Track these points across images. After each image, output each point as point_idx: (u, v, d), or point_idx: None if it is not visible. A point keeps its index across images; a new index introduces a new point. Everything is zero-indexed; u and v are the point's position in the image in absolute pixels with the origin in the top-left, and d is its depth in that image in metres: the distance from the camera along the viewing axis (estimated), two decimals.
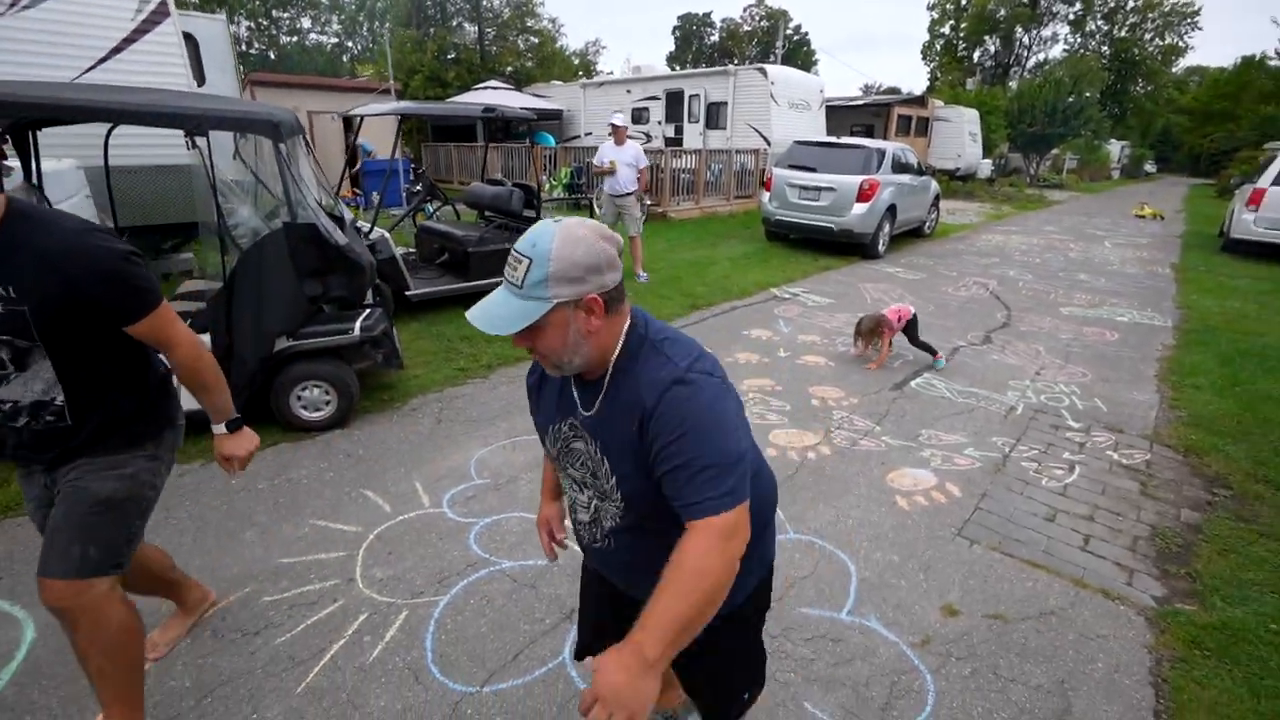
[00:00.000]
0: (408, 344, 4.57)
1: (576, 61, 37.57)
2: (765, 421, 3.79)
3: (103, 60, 5.65)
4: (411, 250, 6.03)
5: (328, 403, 3.40)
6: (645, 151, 7.25)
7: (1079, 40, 44.65)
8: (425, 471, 3.08)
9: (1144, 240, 11.97)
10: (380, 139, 13.51)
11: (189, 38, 7.29)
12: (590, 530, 1.26)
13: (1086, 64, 31.24)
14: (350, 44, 41.08)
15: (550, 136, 16.62)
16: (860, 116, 19.38)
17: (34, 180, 3.30)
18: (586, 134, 17.48)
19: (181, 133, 2.92)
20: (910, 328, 4.73)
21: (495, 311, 1.05)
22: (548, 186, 12.11)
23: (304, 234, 3.20)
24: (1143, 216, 15.69)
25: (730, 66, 14.92)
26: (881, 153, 8.99)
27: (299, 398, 3.34)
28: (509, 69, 26.76)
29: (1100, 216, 15.73)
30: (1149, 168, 41.71)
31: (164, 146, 5.76)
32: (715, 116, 14.92)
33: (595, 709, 0.86)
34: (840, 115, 18.40)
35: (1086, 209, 17.70)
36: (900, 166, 9.37)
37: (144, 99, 3.16)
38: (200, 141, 3.09)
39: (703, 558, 0.96)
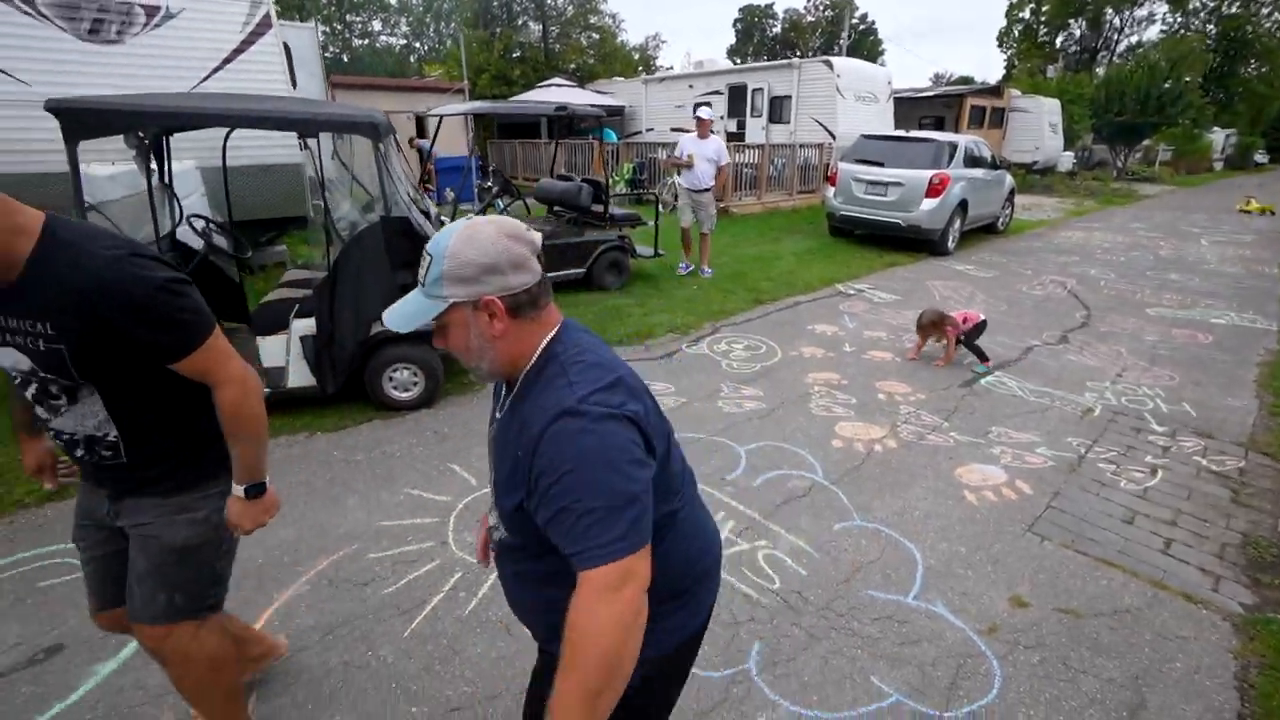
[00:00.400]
0: None
1: (636, 57, 37.72)
2: (831, 414, 3.84)
3: (216, 70, 6.19)
4: None
5: (415, 384, 3.67)
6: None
7: (1179, 20, 41.44)
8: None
9: (1248, 238, 11.13)
10: (445, 138, 14.07)
11: (284, 46, 7.86)
12: (491, 537, 1.19)
13: (1187, 45, 29.00)
14: (418, 45, 42.63)
15: (613, 132, 16.86)
16: (930, 108, 18.72)
17: (166, 180, 3.70)
18: (648, 129, 17.63)
19: (290, 135, 3.22)
20: (974, 332, 4.61)
21: (401, 309, 1.03)
22: (611, 182, 12.32)
23: (398, 227, 3.47)
24: (1249, 212, 14.54)
25: (794, 59, 14.74)
26: (953, 146, 8.74)
27: (390, 379, 3.62)
28: (572, 66, 27.21)
29: (1197, 212, 14.69)
30: (1259, 158, 38.25)
31: (268, 148, 6.29)
32: (779, 110, 14.79)
33: None
34: (909, 107, 17.84)
35: (1182, 204, 16.55)
36: (972, 160, 9.08)
37: (263, 106, 3.50)
38: (310, 142, 3.41)
39: (587, 619, 0.88)
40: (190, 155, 5.39)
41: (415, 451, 3.29)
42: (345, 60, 38.71)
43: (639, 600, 0.90)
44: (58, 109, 2.99)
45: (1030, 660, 2.10)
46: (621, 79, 21.78)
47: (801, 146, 12.68)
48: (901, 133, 10.64)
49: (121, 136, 3.34)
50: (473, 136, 13.80)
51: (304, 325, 3.41)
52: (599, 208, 6.25)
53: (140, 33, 5.80)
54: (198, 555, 1.45)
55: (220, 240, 3.70)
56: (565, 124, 16.68)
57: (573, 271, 6.07)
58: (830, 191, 9.40)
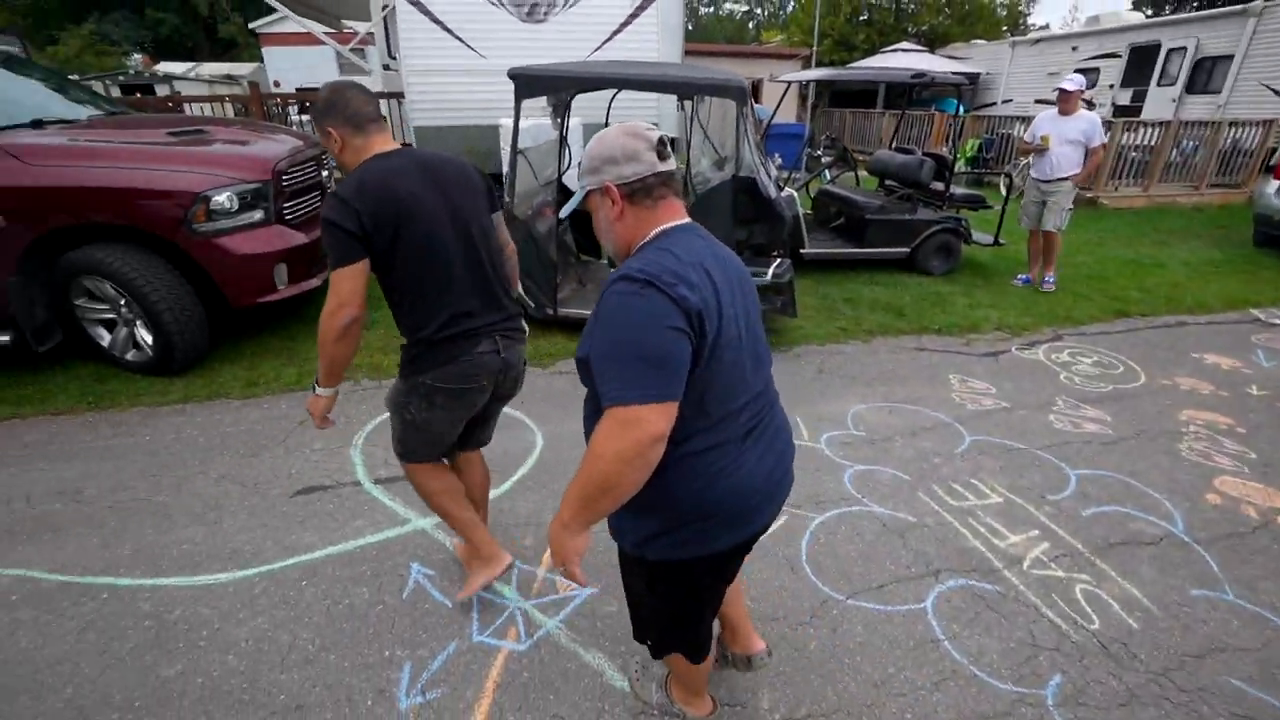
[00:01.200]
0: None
1: (1003, 13, 32.55)
2: (1209, 463, 3.09)
3: (605, 42, 7.28)
4: (808, 211, 6.39)
5: None
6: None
7: None
8: (805, 410, 3.43)
9: None
10: (775, 105, 14.20)
11: None
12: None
13: None
14: (759, 11, 43.17)
15: (956, 103, 15.11)
16: None
17: (563, 135, 4.51)
18: (1005, 101, 15.36)
19: (656, 95, 3.67)
20: None
21: (568, 203, 1.27)
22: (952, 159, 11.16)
23: (745, 185, 3.76)
24: None
25: (1256, 2, 10.92)
26: None
27: None
28: (924, 28, 24.75)
29: None
30: None
31: (633, 107, 7.21)
32: (1206, 76, 11.49)
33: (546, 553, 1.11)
34: None
35: None
36: None
37: (652, 71, 4.04)
38: (687, 104, 3.85)
39: (597, 440, 1.05)
40: (576, 114, 6.51)
41: None
42: (689, 28, 41.29)
43: (644, 444, 1.03)
44: (515, 75, 3.90)
45: None
46: (982, 41, 19.17)
47: (1232, 124, 9.71)
48: None
49: (546, 97, 4.22)
50: (812, 104, 13.67)
51: None
52: (939, 185, 5.78)
53: (559, 12, 7.12)
54: (394, 416, 1.91)
55: None
56: (903, 93, 15.48)
57: (896, 250, 5.77)
58: (1272, 188, 7.10)
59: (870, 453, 3.04)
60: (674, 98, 7.23)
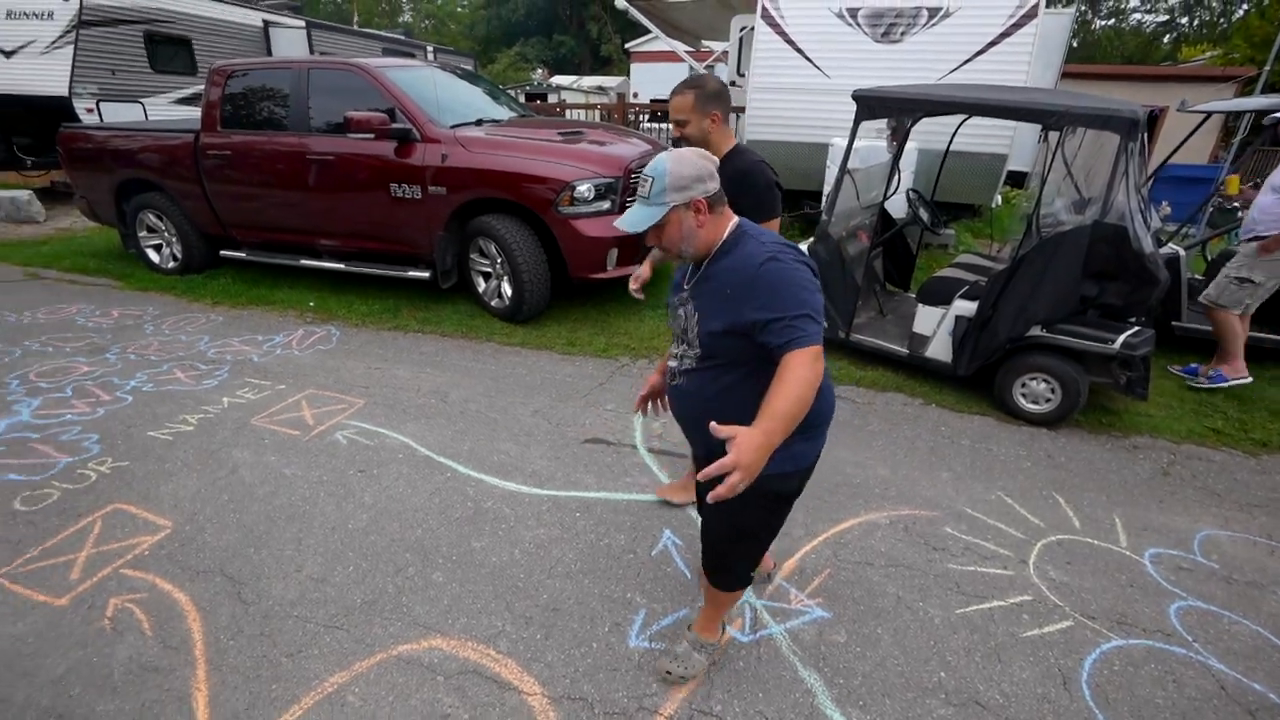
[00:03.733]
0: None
1: None
2: None
3: (965, 62, 6.71)
4: (1199, 277, 5.05)
5: (1048, 400, 3.43)
6: None
7: None
8: (1130, 513, 2.79)
9: None
10: (1179, 140, 11.35)
11: None
12: (673, 372, 1.65)
13: None
14: (1183, 22, 34.72)
15: None
16: None
17: (897, 159, 4.33)
18: None
19: (1003, 125, 3.25)
20: None
21: (632, 217, 1.47)
22: None
23: (1109, 234, 3.17)
24: None
25: None
26: None
27: (1023, 385, 3.49)
28: None
29: None
30: None
31: (977, 136, 6.55)
32: None
33: (733, 472, 1.17)
34: None
35: None
36: None
37: (1012, 96, 3.65)
38: (1053, 135, 3.40)
39: (800, 369, 1.28)
40: (914, 139, 6.16)
41: (1020, 464, 3.15)
42: (1074, 46, 35.45)
43: (821, 370, 1.32)
44: (860, 96, 3.89)
45: None
46: None
47: None
48: None
49: (887, 120, 4.12)
50: (1241, 141, 10.77)
51: (964, 306, 3.60)
52: None
53: (918, 32, 6.80)
54: None
55: (924, 214, 4.21)
56: None
57: None
58: None
59: (1221, 592, 2.35)
60: (1034, 127, 6.40)
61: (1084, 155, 4.02)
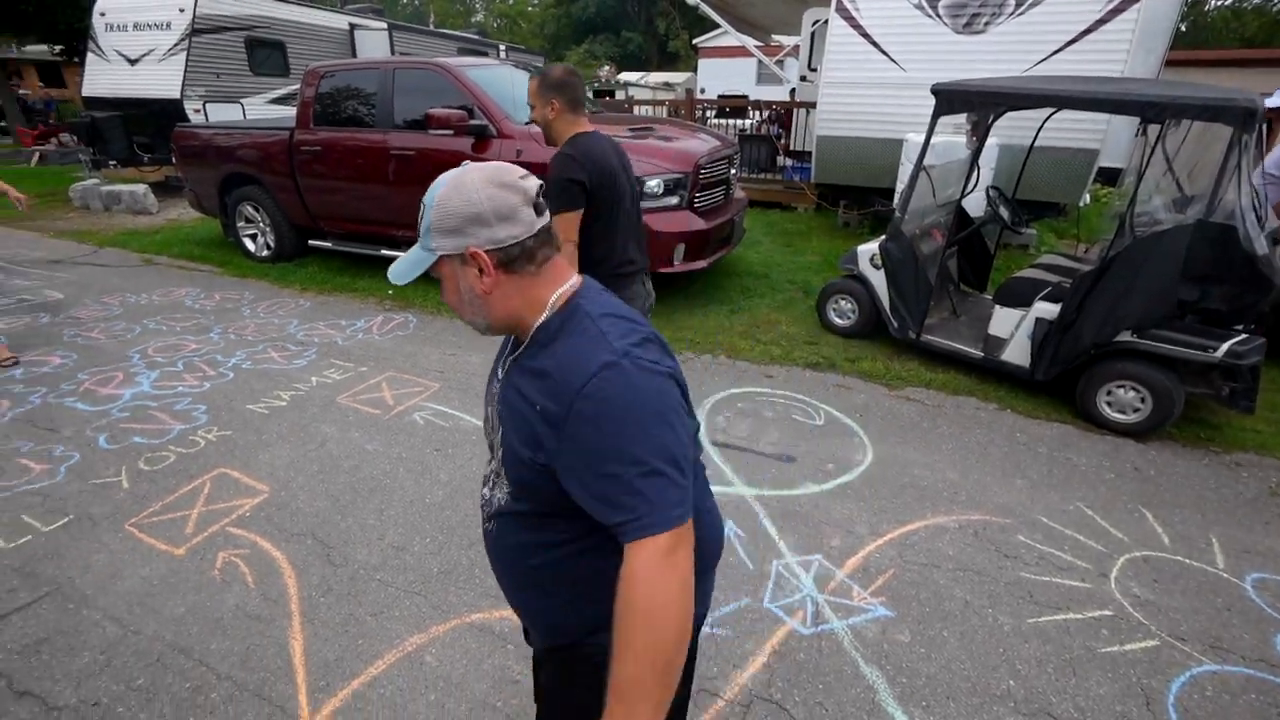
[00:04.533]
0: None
1: None
2: None
3: (1055, 52, 6.35)
4: None
5: (1137, 410, 3.24)
6: None
7: None
8: (1229, 534, 2.61)
9: None
10: None
11: None
12: (484, 502, 1.09)
13: None
14: None
15: None
16: None
17: (976, 155, 4.16)
18: None
19: (1094, 119, 3.06)
20: None
21: (400, 264, 0.95)
22: None
23: (1214, 235, 2.96)
24: None
25: None
26: None
27: (1109, 393, 3.31)
28: None
29: None
30: None
31: (1065, 131, 6.19)
32: None
33: None
34: None
35: None
36: None
37: (1105, 88, 3.45)
38: (1153, 129, 3.20)
39: (652, 589, 0.78)
40: (995, 134, 5.89)
41: (1103, 475, 2.99)
42: (1182, 29, 32.74)
43: (691, 574, 0.82)
44: (939, 90, 3.77)
45: None
46: None
47: None
48: None
49: (968, 114, 3.97)
50: None
51: (1045, 308, 3.44)
52: None
53: (1003, 21, 6.48)
54: None
55: (1004, 212, 4.04)
56: None
57: None
58: None
59: None
60: (1130, 120, 6.00)
61: (1188, 150, 3.76)
